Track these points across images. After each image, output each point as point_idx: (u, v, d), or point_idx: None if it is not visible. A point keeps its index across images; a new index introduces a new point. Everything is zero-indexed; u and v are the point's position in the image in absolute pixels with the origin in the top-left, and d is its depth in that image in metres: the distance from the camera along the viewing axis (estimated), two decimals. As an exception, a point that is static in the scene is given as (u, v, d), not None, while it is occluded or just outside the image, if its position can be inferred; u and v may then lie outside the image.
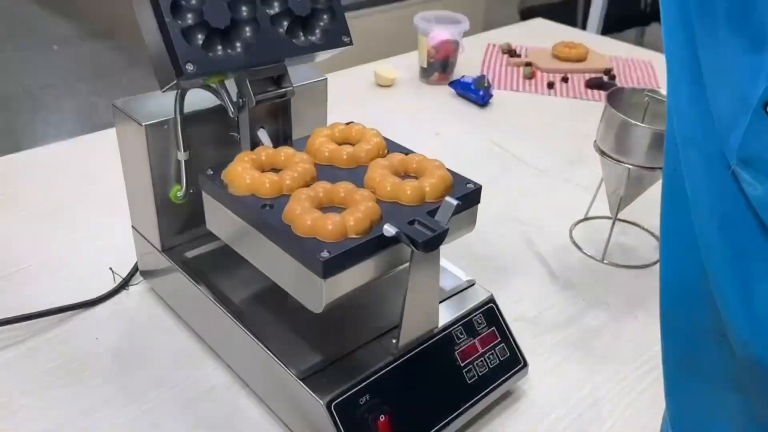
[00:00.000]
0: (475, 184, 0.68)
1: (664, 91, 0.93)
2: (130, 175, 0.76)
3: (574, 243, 1.00)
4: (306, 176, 0.66)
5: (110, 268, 0.87)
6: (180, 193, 0.74)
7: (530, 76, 1.58)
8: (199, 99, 0.73)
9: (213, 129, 0.75)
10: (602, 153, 0.92)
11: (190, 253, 0.77)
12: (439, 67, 1.52)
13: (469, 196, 0.67)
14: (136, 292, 0.86)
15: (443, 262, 0.78)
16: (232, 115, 0.71)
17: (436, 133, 1.34)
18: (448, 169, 0.69)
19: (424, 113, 1.43)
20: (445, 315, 0.70)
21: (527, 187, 1.15)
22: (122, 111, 0.71)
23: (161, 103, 0.73)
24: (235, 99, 0.71)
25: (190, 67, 0.63)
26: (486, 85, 1.44)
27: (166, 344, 0.78)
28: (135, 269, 0.87)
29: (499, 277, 0.91)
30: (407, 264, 0.61)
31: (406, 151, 0.74)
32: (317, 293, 0.58)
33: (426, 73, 1.53)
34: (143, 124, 0.69)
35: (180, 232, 0.78)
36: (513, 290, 0.90)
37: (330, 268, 0.56)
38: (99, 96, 2.92)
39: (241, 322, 0.68)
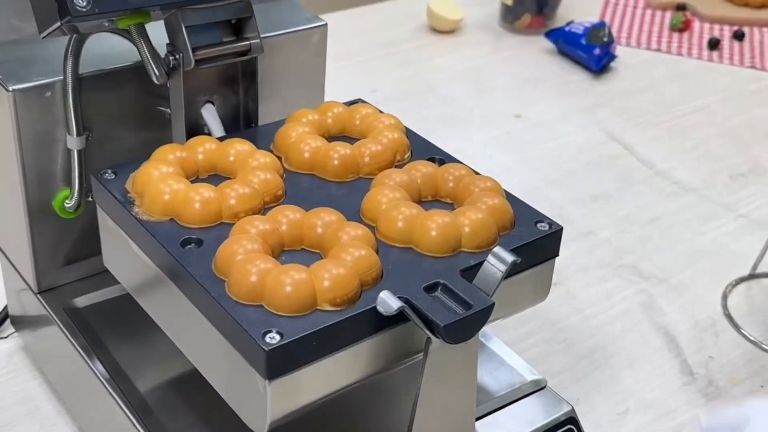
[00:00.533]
0: (551, 223, 0.61)
1: None
2: (-5, 166, 0.73)
3: (729, 317, 0.93)
4: (265, 193, 0.61)
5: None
6: (69, 203, 0.70)
7: (681, 28, 1.50)
8: (111, 49, 0.69)
9: (131, 101, 0.71)
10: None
11: (81, 300, 0.74)
12: (533, 4, 1.46)
13: (538, 246, 0.61)
14: (2, 350, 0.83)
15: (492, 344, 0.74)
16: (156, 81, 0.66)
17: (517, 114, 1.28)
18: (509, 195, 0.63)
19: (500, 79, 1.38)
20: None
21: (658, 214, 1.09)
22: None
23: (45, 57, 0.69)
24: (164, 55, 0.66)
25: (82, 1, 0.58)
26: (605, 39, 1.38)
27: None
28: (4, 315, 0.84)
29: (593, 373, 0.86)
30: (420, 356, 0.55)
31: (442, 157, 0.68)
32: (258, 403, 0.52)
33: (511, 14, 1.48)
34: (11, 89, 0.66)
35: (67, 264, 0.74)
36: (615, 397, 0.84)
37: (280, 363, 0.51)
38: None
39: (142, 424, 0.64)
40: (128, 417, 0.65)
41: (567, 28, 1.42)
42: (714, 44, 1.46)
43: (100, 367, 0.69)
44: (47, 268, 0.74)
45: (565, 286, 0.94)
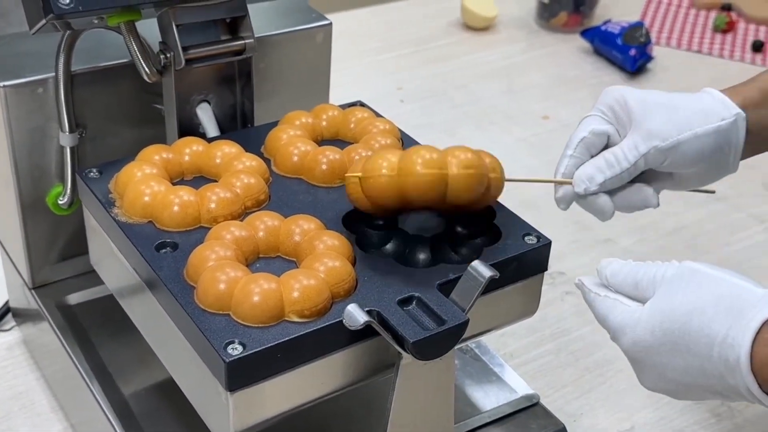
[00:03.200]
0: (540, 236, 0.59)
1: None
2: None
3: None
4: (247, 197, 0.60)
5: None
6: (63, 199, 0.70)
7: (724, 29, 1.45)
8: (106, 46, 0.69)
9: (126, 98, 0.71)
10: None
11: (74, 297, 0.75)
12: (570, 2, 1.43)
13: (525, 260, 0.58)
14: (2, 344, 0.83)
15: (486, 357, 0.73)
16: (147, 79, 0.66)
17: (545, 115, 1.25)
18: (499, 205, 0.61)
19: (533, 78, 1.35)
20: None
21: (684, 223, 1.05)
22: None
23: (39, 52, 0.69)
24: (156, 53, 0.66)
25: (66, -1, 0.57)
26: (642, 39, 1.33)
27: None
28: (6, 309, 0.85)
29: (599, 387, 0.84)
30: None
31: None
32: (222, 413, 0.52)
33: (547, 11, 1.45)
34: (2, 84, 0.66)
35: (61, 260, 0.75)
36: (620, 413, 0.81)
37: (242, 375, 0.50)
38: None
39: (123, 425, 0.64)
40: (108, 418, 0.65)
41: (603, 28, 1.38)
42: (758, 46, 1.41)
43: (86, 365, 0.69)
44: (41, 264, 0.74)
45: (578, 296, 0.92)
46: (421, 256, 0.58)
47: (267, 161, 0.65)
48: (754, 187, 1.13)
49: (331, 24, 0.77)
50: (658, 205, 0.62)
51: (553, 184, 0.61)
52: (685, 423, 0.80)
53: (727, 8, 1.51)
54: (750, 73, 1.52)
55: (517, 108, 1.27)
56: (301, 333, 0.51)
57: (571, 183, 0.60)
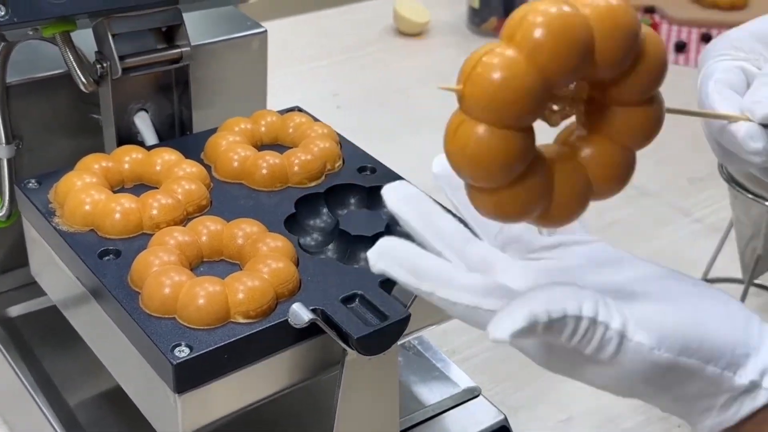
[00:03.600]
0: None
1: None
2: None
3: None
4: (188, 203, 0.61)
5: None
6: (1, 211, 0.70)
7: (649, 31, 1.50)
8: (42, 57, 0.69)
9: (63, 109, 0.71)
10: (731, 179, 0.84)
11: (15, 309, 0.74)
12: (500, 7, 1.46)
13: None
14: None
15: (429, 353, 0.74)
16: (84, 89, 0.66)
17: (480, 117, 1.28)
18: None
19: (466, 83, 1.37)
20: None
21: (616, 218, 1.08)
22: None
23: None
24: (93, 63, 0.66)
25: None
26: (570, 42, 1.37)
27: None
28: None
29: (538, 380, 0.85)
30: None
31: (374, 166, 0.68)
32: (170, 416, 0.52)
33: (477, 16, 1.48)
34: None
35: (1, 273, 0.75)
36: (558, 404, 0.83)
37: (189, 377, 0.51)
38: None
39: None
40: (54, 430, 0.65)
41: (533, 31, 1.42)
42: (681, 47, 1.46)
43: (30, 378, 0.68)
44: (-20, 276, 0.73)
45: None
46: (363, 255, 0.59)
47: (207, 168, 0.65)
48: (680, 183, 1.17)
49: (266, 31, 0.78)
50: None
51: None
52: (622, 409, 0.83)
53: (650, 10, 1.56)
54: (673, 72, 1.58)
55: (453, 111, 1.29)
56: (247, 333, 0.52)
57: (743, 117, 0.44)
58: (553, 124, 0.39)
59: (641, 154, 1.27)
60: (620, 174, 0.40)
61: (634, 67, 0.37)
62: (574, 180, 0.39)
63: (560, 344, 0.39)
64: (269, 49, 0.79)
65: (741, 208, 0.86)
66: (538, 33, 0.35)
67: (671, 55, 1.45)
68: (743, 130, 0.44)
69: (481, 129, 0.36)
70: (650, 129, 0.39)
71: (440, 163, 0.45)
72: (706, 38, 1.48)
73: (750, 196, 0.82)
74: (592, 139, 0.39)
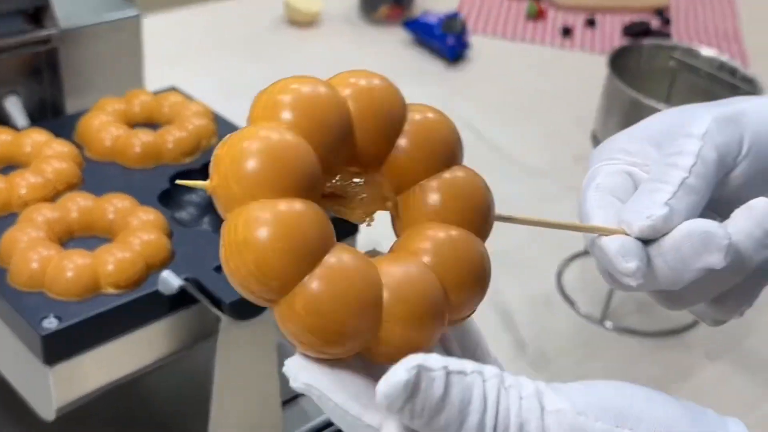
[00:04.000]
0: None
1: (706, 51, 0.88)
2: None
3: (563, 293, 0.96)
4: (58, 182, 0.60)
5: None
6: None
7: (535, 16, 1.54)
8: None
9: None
10: (602, 149, 0.88)
11: None
12: (390, -4, 1.48)
13: None
14: None
15: None
16: (-51, 73, 0.65)
17: (371, 104, 1.30)
18: None
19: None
20: (296, 423, 0.64)
21: (504, 197, 1.11)
22: None
23: None
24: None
25: None
26: (459, 29, 1.40)
27: None
28: None
29: None
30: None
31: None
32: (43, 389, 0.52)
33: (368, 5, 1.49)
34: None
35: None
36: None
37: (59, 348, 0.51)
38: None
39: None
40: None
41: (423, 19, 1.44)
42: (567, 32, 1.51)
43: None
44: None
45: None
46: (237, 226, 0.60)
47: (80, 148, 0.65)
48: (566, 161, 1.21)
49: (138, 15, 0.78)
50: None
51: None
52: (508, 376, 0.85)
53: (536, -3, 1.61)
54: (561, 56, 1.62)
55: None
56: (118, 303, 0.53)
57: (619, 230, 0.37)
58: (356, 219, 0.33)
59: (529, 133, 1.31)
60: (465, 259, 0.32)
61: (409, 142, 0.33)
62: (416, 281, 0.31)
63: None
64: (157, 43, 0.78)
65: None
66: (286, 114, 0.30)
67: (557, 39, 1.50)
68: (615, 246, 0.36)
69: (249, 211, 0.29)
70: (457, 195, 0.33)
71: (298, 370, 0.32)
72: (590, 23, 1.54)
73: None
74: (419, 229, 0.33)
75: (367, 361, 0.31)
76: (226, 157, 0.30)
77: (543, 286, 0.98)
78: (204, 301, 0.53)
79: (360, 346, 0.30)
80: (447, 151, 0.34)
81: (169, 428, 0.64)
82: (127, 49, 0.78)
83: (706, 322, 0.42)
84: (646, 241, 0.36)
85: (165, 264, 0.56)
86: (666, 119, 0.41)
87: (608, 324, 0.92)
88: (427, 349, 0.30)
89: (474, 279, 0.32)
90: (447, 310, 0.31)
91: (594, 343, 0.91)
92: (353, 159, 0.32)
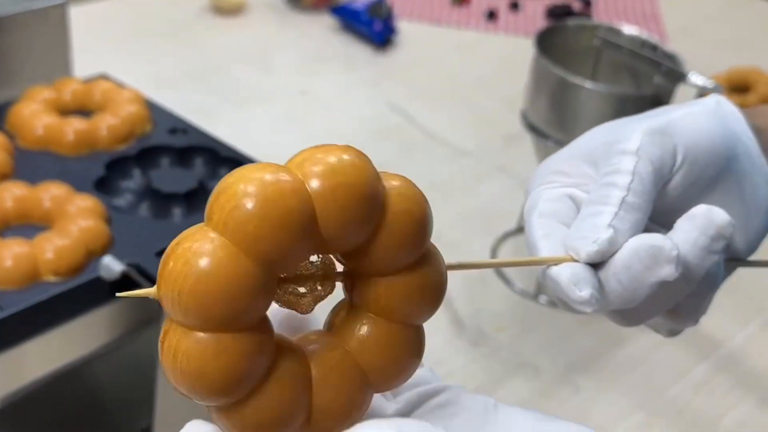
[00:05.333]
0: None
1: (628, 30, 0.91)
2: None
3: (498, 271, 0.98)
4: (-9, 172, 0.60)
5: None
6: None
7: (460, 1, 1.56)
8: None
9: None
10: (532, 128, 0.90)
11: None
12: (316, -17, 1.48)
13: None
14: None
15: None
16: None
17: (303, 90, 1.30)
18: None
19: (286, 58, 1.39)
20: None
21: (436, 179, 1.13)
22: None
23: None
24: None
25: None
26: (385, 14, 1.41)
27: None
28: None
29: None
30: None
31: (185, 128, 0.68)
32: (-17, 379, 0.51)
33: (294, -6, 1.50)
34: None
35: None
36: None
37: (0, 337, 0.50)
38: None
39: None
40: None
41: (349, 6, 1.45)
42: (491, 15, 1.53)
43: None
44: None
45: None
46: (177, 210, 0.60)
47: (11, 137, 0.64)
48: (495, 142, 1.23)
49: (65, 3, 0.77)
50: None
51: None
52: (447, 353, 0.87)
53: (461, -18, 1.63)
54: (486, 40, 1.65)
55: (275, 87, 1.31)
56: (59, 292, 0.52)
57: (567, 258, 0.37)
58: (304, 311, 0.31)
59: (458, 115, 1.32)
60: (397, 356, 0.31)
61: (376, 234, 0.30)
62: (339, 373, 0.30)
63: None
64: (84, 32, 0.78)
65: (542, 154, 0.92)
66: (239, 212, 0.27)
67: (482, 23, 1.52)
68: (566, 275, 0.36)
69: (190, 338, 0.27)
70: (417, 298, 0.31)
71: None
72: (514, 6, 1.56)
73: (550, 143, 0.88)
74: (359, 319, 0.31)
75: None
76: (173, 273, 0.27)
77: (478, 264, 0.99)
78: (146, 286, 0.53)
79: None
80: (417, 249, 0.31)
81: (115, 415, 0.64)
82: (54, 38, 0.77)
83: (662, 334, 0.42)
84: (597, 265, 0.36)
85: (105, 250, 0.56)
86: (598, 137, 0.41)
87: (542, 299, 0.94)
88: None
89: (397, 370, 0.32)
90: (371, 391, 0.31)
91: (530, 318, 0.94)
92: (317, 250, 0.30)
